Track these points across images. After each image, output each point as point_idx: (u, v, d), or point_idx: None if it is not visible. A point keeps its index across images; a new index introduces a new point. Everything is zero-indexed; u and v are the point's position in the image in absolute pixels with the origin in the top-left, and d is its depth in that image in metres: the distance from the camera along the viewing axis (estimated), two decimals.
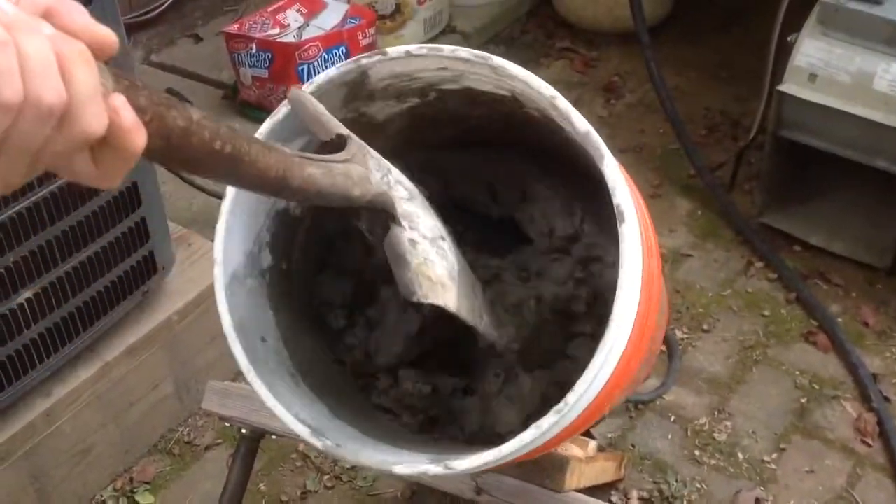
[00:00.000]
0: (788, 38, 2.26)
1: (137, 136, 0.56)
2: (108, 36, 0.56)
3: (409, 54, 1.07)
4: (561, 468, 1.36)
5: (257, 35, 2.54)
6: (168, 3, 2.92)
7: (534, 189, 1.31)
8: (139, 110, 0.58)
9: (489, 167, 1.32)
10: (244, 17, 2.72)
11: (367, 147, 0.96)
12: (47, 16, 0.54)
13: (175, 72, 2.82)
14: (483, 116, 1.18)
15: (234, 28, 2.60)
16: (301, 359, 1.22)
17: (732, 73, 3.00)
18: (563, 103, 1.03)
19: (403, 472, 1.06)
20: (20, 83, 0.50)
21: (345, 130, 0.95)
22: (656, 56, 2.70)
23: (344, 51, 2.57)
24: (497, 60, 1.05)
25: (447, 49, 1.06)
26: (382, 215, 0.97)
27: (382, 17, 2.81)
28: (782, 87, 2.25)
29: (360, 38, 2.61)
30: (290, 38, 2.54)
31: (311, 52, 2.53)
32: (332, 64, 2.57)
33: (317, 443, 1.10)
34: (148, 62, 2.89)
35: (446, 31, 2.97)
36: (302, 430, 1.10)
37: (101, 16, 1.54)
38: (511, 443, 1.02)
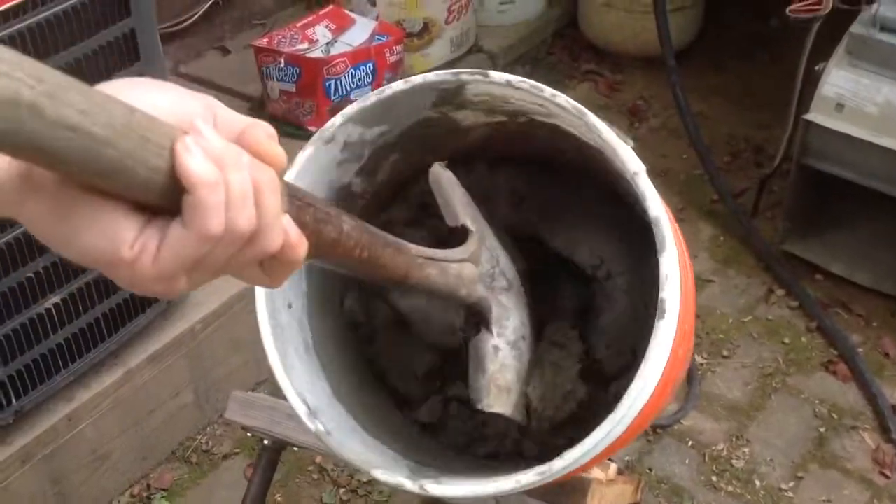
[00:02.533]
0: (816, 68, 2.26)
1: (301, 251, 0.62)
2: (285, 159, 0.60)
3: (509, 84, 1.09)
4: (583, 491, 1.36)
5: (286, 49, 2.56)
6: (197, 15, 2.95)
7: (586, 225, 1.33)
8: (302, 226, 0.63)
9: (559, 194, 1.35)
10: (273, 31, 2.74)
11: (485, 236, 1.04)
12: (242, 138, 0.58)
13: (202, 83, 2.84)
14: (565, 149, 1.21)
15: (263, 42, 2.62)
16: (320, 333, 1.23)
17: (756, 100, 3.00)
18: (645, 182, 1.05)
19: (380, 478, 1.07)
20: (224, 216, 0.54)
21: (469, 222, 1.02)
22: (682, 81, 2.71)
23: (371, 67, 2.58)
24: (592, 119, 1.07)
25: (547, 91, 1.08)
26: (479, 319, 1.06)
27: (410, 35, 2.83)
28: (809, 116, 2.25)
29: (388, 55, 2.62)
30: (318, 54, 2.55)
31: (338, 68, 2.55)
32: (360, 80, 2.60)
33: (309, 424, 1.11)
34: (176, 73, 2.91)
35: (473, 51, 2.98)
36: (299, 408, 1.10)
37: (138, 28, 1.58)
38: (503, 481, 1.03)
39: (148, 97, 0.55)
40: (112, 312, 1.75)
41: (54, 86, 0.47)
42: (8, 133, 0.46)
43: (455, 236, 1.01)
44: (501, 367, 1.08)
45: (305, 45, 2.58)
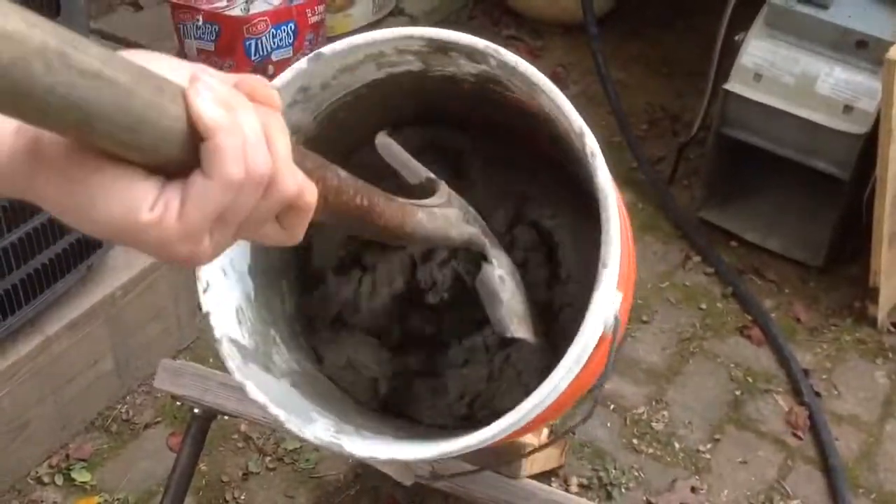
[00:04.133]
0: (736, 38, 2.30)
1: (314, 195, 0.61)
2: (280, 101, 0.60)
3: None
4: (518, 456, 1.37)
5: (204, 6, 2.49)
6: None
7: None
8: (307, 172, 0.62)
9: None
10: None
11: (451, 190, 1.04)
12: (238, 87, 0.57)
13: (115, 41, 2.75)
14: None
15: None
16: (261, 282, 1.21)
17: (674, 68, 3.05)
18: (592, 142, 1.05)
19: (292, 429, 1.07)
20: (242, 159, 0.54)
21: (432, 174, 1.03)
22: (603, 49, 2.73)
23: (293, 27, 2.53)
24: (536, 76, 1.07)
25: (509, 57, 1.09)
26: (475, 254, 1.07)
27: None
28: (728, 86, 2.29)
29: (309, 15, 2.57)
30: (237, 12, 2.49)
31: (259, 28, 2.49)
32: (281, 40, 2.55)
33: (238, 376, 1.09)
34: (87, 30, 2.81)
35: (394, 13, 2.95)
36: (231, 364, 1.08)
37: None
38: (444, 445, 1.04)
39: (141, 61, 0.54)
40: (29, 278, 1.69)
41: (71, 36, 0.46)
42: (39, 85, 0.44)
43: (421, 193, 1.00)
44: (513, 295, 1.09)
45: (224, 3, 2.51)
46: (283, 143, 0.57)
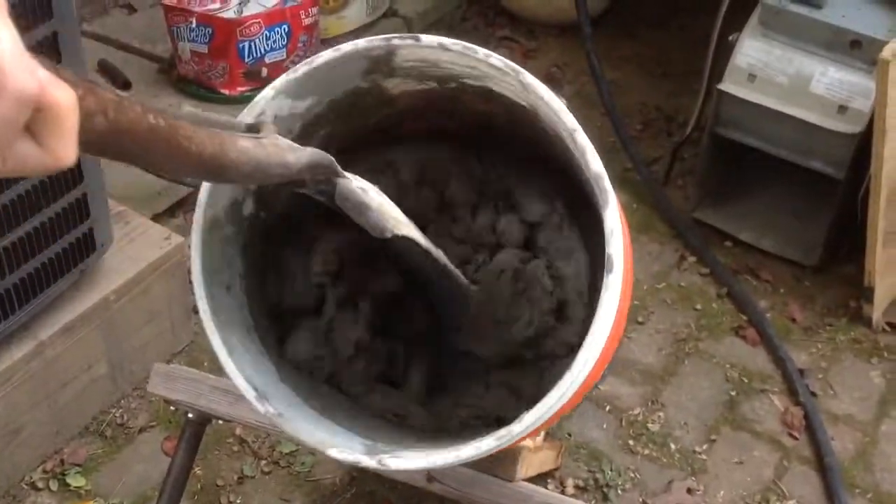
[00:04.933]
0: (730, 38, 2.30)
1: (67, 96, 0.53)
2: None
3: (441, 46, 1.08)
4: (514, 459, 1.37)
5: (197, 9, 2.49)
6: None
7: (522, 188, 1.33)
8: (67, 81, 0.55)
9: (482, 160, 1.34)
10: None
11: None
12: None
13: (109, 43, 2.74)
14: (493, 113, 1.20)
15: (173, 0, 2.54)
16: (260, 312, 1.21)
17: (668, 69, 3.05)
18: (583, 139, 1.05)
19: (337, 456, 1.06)
20: None
21: (251, 120, 0.95)
22: (596, 49, 2.73)
23: (286, 29, 2.53)
24: (528, 77, 1.07)
25: (481, 52, 1.07)
26: (326, 172, 0.97)
27: None
28: (721, 86, 2.29)
29: (303, 16, 2.57)
30: (230, 14, 2.49)
31: (252, 30, 2.49)
32: (274, 42, 2.55)
33: (259, 407, 1.10)
34: (81, 31, 2.80)
35: (388, 15, 2.94)
36: (248, 392, 1.09)
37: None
38: (466, 448, 1.03)
39: None
40: (22, 283, 1.68)
41: None
42: None
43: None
44: (382, 202, 1.03)
45: (217, 5, 2.51)
46: (4, 32, 0.50)
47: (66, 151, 0.54)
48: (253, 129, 0.91)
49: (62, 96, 0.52)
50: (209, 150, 0.75)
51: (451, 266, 1.17)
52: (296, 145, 0.92)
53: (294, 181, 0.93)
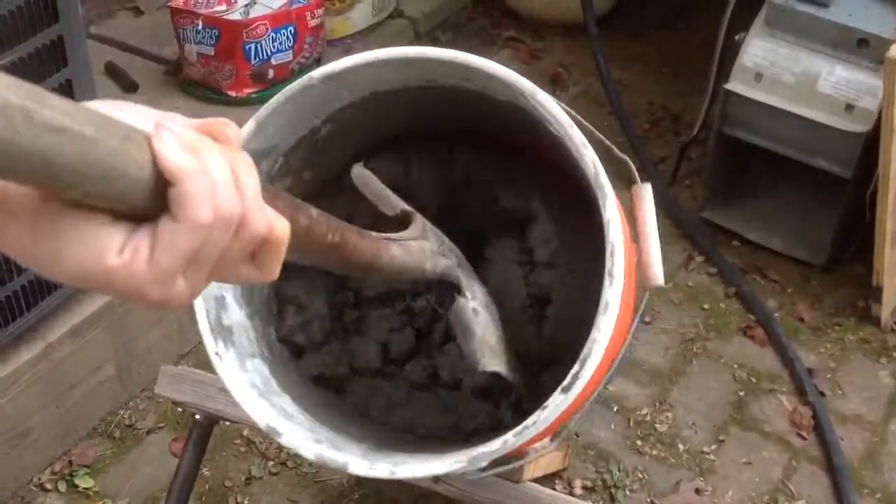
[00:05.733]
0: (736, 37, 2.30)
1: (286, 231, 0.61)
2: (241, 138, 0.60)
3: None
4: (520, 460, 1.37)
5: (203, 11, 2.49)
6: None
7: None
8: (278, 211, 0.62)
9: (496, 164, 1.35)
10: None
11: (427, 221, 1.05)
12: (202, 130, 0.58)
13: (115, 45, 2.75)
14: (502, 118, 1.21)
15: (179, 2, 2.54)
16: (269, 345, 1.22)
17: (674, 68, 3.04)
18: (591, 155, 1.06)
19: (354, 472, 1.08)
20: (211, 201, 0.54)
21: (408, 207, 1.04)
22: (603, 49, 2.73)
23: (293, 31, 2.53)
24: (543, 96, 1.08)
25: (527, 88, 1.13)
26: (450, 287, 1.08)
27: None
28: (728, 86, 2.29)
29: (309, 18, 2.57)
30: (237, 16, 2.49)
31: (258, 31, 2.49)
32: (281, 44, 2.55)
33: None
34: (88, 34, 2.81)
35: (394, 16, 2.94)
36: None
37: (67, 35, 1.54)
38: (485, 446, 1.03)
39: (107, 110, 0.54)
40: (31, 285, 1.69)
41: (33, 90, 0.46)
42: (4, 142, 0.44)
43: (397, 224, 1.01)
44: (486, 328, 1.10)
45: (224, 7, 2.51)
46: (252, 181, 0.57)
47: (275, 270, 0.62)
48: (405, 218, 1.01)
49: (282, 234, 0.60)
50: (367, 258, 0.84)
51: (512, 379, 1.20)
52: (436, 251, 1.01)
53: (423, 286, 1.06)
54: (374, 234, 0.88)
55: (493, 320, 1.14)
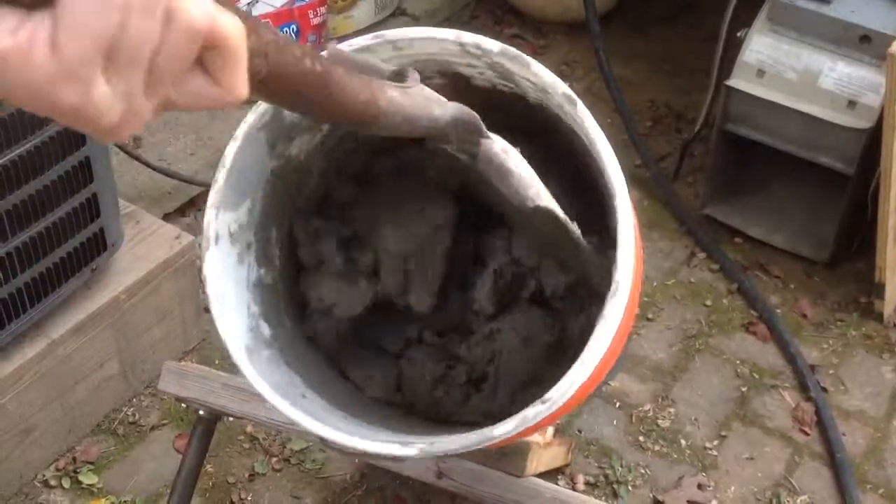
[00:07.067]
0: (738, 34, 2.30)
1: (236, 27, 0.52)
2: None
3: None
4: (523, 454, 1.37)
5: None
6: None
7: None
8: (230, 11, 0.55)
9: None
10: None
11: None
12: None
13: None
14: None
15: None
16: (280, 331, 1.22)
17: (676, 65, 3.04)
18: (616, 170, 1.07)
19: (371, 449, 1.06)
20: None
21: (395, 67, 0.91)
22: (606, 47, 2.73)
23: (295, 29, 2.54)
24: (581, 108, 1.08)
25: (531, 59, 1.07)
26: (470, 130, 0.95)
27: None
28: (730, 82, 2.29)
29: (311, 16, 2.58)
30: None
31: None
32: None
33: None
34: None
35: (396, 13, 2.95)
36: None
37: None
38: (501, 426, 1.03)
39: None
40: (34, 282, 1.69)
41: None
42: None
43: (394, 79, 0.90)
44: (519, 165, 1.01)
45: None
46: None
47: (239, 85, 0.54)
48: (398, 75, 0.89)
49: (230, 28, 0.51)
50: (361, 98, 0.74)
51: (584, 242, 1.12)
52: (441, 98, 0.90)
53: (439, 137, 0.92)
54: (365, 75, 0.78)
55: (524, 160, 1.04)
